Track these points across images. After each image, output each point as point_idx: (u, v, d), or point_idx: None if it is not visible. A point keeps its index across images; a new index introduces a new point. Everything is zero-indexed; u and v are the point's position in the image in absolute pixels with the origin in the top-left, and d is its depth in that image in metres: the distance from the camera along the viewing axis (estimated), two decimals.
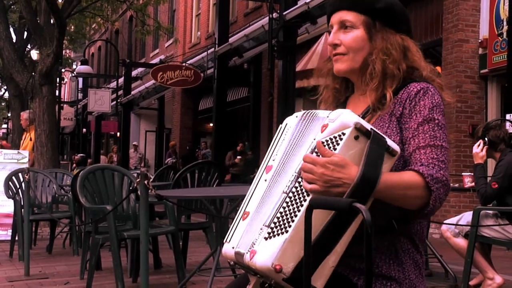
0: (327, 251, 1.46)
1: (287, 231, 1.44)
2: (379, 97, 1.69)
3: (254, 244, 1.48)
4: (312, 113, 1.63)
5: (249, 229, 1.53)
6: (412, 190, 1.54)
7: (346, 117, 1.52)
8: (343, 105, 1.83)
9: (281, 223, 1.47)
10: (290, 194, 1.50)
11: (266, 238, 1.46)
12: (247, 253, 1.48)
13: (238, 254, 1.52)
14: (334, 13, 1.76)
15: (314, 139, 1.53)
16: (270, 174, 1.59)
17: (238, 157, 14.66)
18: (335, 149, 1.50)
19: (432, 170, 1.56)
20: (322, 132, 1.53)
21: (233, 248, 1.54)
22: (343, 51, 1.73)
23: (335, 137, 1.51)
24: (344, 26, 1.73)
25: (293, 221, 1.45)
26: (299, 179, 1.51)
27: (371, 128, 1.51)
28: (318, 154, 1.51)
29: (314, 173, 1.48)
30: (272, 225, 1.47)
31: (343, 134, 1.50)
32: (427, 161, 1.58)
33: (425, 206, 1.56)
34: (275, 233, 1.46)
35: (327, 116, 1.55)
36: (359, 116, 1.70)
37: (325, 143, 1.51)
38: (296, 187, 1.50)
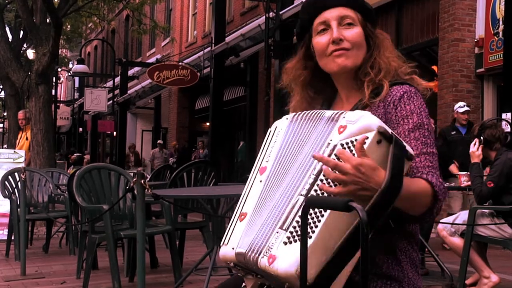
0: (350, 257, 1.42)
1: (310, 237, 1.39)
2: (374, 88, 1.69)
3: (271, 248, 1.44)
4: (309, 114, 1.60)
5: (250, 229, 1.51)
6: (423, 198, 1.55)
7: (369, 120, 1.47)
8: (327, 107, 1.82)
9: None
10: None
11: (285, 243, 1.42)
12: (262, 257, 1.44)
13: (239, 255, 1.50)
14: (330, 8, 1.73)
15: (331, 140, 1.48)
16: (265, 175, 1.57)
17: None
18: None
19: (433, 178, 1.57)
20: (340, 133, 1.48)
21: (233, 249, 1.51)
22: (347, 46, 1.70)
23: (356, 140, 1.45)
24: (344, 23, 1.71)
25: (316, 226, 1.40)
26: (319, 182, 1.46)
27: (391, 132, 1.46)
28: (339, 159, 1.44)
29: (346, 173, 1.41)
30: (292, 229, 1.43)
31: (366, 138, 1.44)
32: (424, 169, 1.58)
33: (428, 213, 1.57)
34: (296, 238, 1.42)
35: (344, 117, 1.50)
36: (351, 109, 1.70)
37: (345, 146, 1.46)
38: (316, 190, 1.45)
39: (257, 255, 1.46)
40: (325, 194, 1.44)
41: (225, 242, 1.55)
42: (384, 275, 1.59)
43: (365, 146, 1.43)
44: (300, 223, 1.40)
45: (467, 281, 4.56)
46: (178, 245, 5.15)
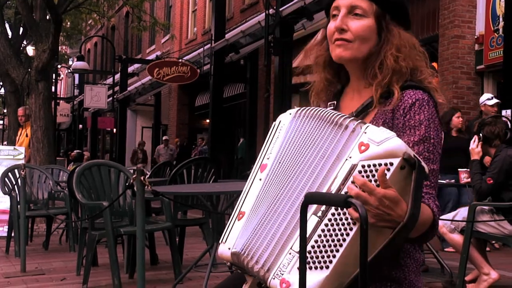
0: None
1: (327, 267, 1.34)
2: (384, 92, 1.62)
3: (283, 271, 1.39)
4: (313, 111, 1.53)
5: (246, 230, 1.50)
6: (425, 226, 1.51)
7: (395, 145, 1.37)
8: (338, 95, 1.77)
9: (319, 254, 1.36)
10: (326, 221, 1.36)
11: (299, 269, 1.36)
12: (274, 278, 1.39)
13: (234, 255, 1.49)
14: None
15: (351, 157, 1.40)
16: (265, 174, 1.54)
17: None
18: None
19: (434, 205, 1.54)
20: (361, 152, 1.39)
21: (229, 249, 1.51)
22: (349, 38, 1.63)
23: (380, 165, 1.36)
24: (353, 12, 1.64)
25: (334, 256, 1.35)
26: None
27: (414, 155, 1.38)
28: (353, 180, 1.37)
29: (369, 205, 1.34)
30: (307, 254, 1.35)
31: (391, 164, 1.35)
32: (423, 189, 1.51)
33: (423, 238, 1.54)
34: (311, 265, 1.35)
35: (365, 132, 1.41)
36: (359, 109, 1.66)
37: (366, 168, 1.37)
38: (334, 214, 1.36)
39: (259, 266, 1.45)
40: (348, 219, 1.36)
41: (223, 241, 1.54)
42: (385, 276, 1.56)
43: (389, 174, 1.36)
44: (316, 247, 1.36)
45: (467, 278, 4.56)
46: (178, 242, 5.15)
